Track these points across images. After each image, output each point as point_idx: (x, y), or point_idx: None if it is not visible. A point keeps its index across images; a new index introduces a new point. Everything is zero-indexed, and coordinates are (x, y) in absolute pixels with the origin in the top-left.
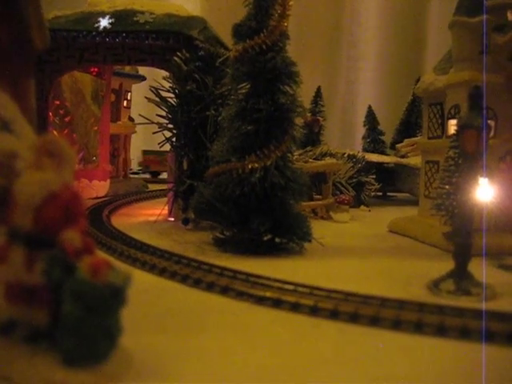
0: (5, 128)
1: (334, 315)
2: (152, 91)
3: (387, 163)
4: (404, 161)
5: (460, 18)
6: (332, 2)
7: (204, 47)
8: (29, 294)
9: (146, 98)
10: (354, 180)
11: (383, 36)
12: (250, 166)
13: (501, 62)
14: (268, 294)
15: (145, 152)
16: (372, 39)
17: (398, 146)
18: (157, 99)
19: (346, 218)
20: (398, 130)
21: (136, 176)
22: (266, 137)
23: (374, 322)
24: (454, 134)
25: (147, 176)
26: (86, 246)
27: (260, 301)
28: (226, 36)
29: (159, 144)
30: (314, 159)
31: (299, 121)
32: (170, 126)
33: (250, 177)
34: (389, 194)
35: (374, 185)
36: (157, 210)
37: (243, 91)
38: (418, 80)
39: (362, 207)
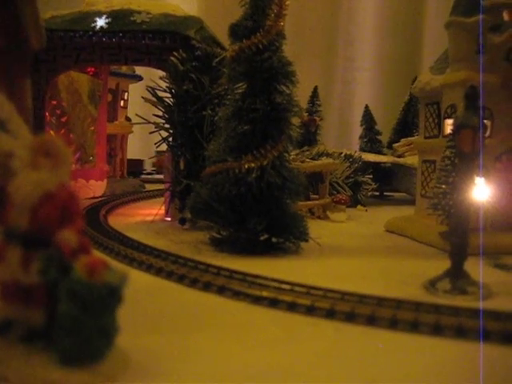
0: (1, 128)
1: (330, 315)
2: (149, 91)
3: (384, 163)
4: (401, 160)
5: (456, 18)
6: (329, 2)
7: (200, 47)
8: (25, 293)
9: (142, 97)
10: (351, 180)
11: (380, 36)
12: (246, 166)
13: (497, 62)
14: (265, 294)
15: (159, 153)
16: (369, 39)
17: (395, 145)
18: (153, 99)
19: (343, 218)
20: (394, 129)
21: (149, 177)
22: (262, 136)
23: (371, 321)
24: (450, 134)
25: (162, 177)
26: (83, 246)
27: (257, 300)
28: (222, 36)
29: (156, 144)
30: (310, 159)
31: (296, 120)
32: (167, 125)
33: (246, 176)
34: (385, 193)
35: (370, 184)
36: (154, 210)
37: (240, 91)
38: (414, 80)
39: (359, 207)
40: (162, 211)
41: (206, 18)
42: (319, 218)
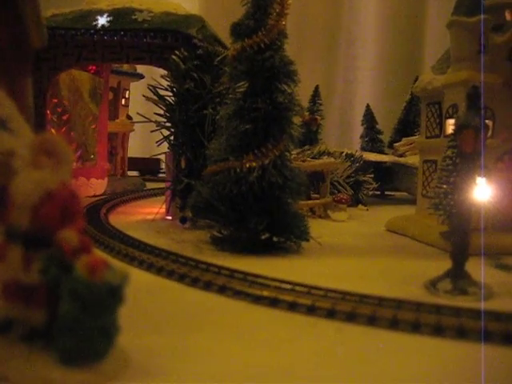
0: (2, 126)
1: (331, 314)
2: (150, 89)
3: (385, 162)
4: (402, 160)
5: (458, 18)
6: (330, 1)
7: (202, 46)
8: (26, 292)
9: (144, 96)
10: (352, 179)
11: (382, 35)
12: (247, 165)
13: (499, 62)
14: (265, 293)
15: None
16: (370, 38)
17: (396, 145)
18: (155, 97)
19: (344, 217)
20: (395, 129)
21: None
22: (263, 135)
23: (372, 321)
24: (451, 134)
25: None
26: (84, 245)
27: (257, 300)
28: (224, 34)
29: (157, 142)
30: (311, 158)
31: (297, 120)
32: (168, 124)
33: (247, 176)
34: (386, 193)
35: (371, 184)
36: (154, 209)
37: (241, 90)
38: (416, 79)
39: (360, 206)
40: (163, 210)
41: (208, 16)
42: (320, 217)
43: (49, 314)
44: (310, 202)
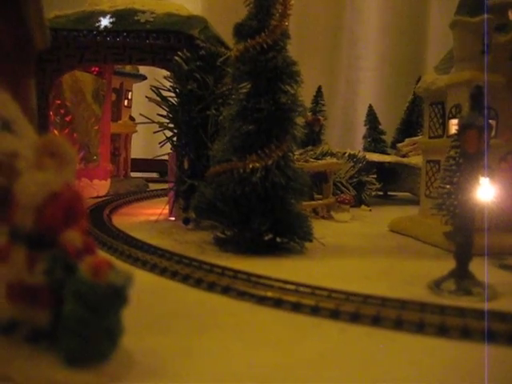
0: (6, 128)
1: (335, 315)
2: (153, 90)
3: (388, 163)
4: (405, 160)
5: (461, 18)
6: (333, 2)
7: (205, 46)
8: (30, 293)
9: (146, 97)
10: (355, 179)
11: (384, 35)
12: (251, 166)
13: (502, 62)
14: (269, 294)
15: None
16: (373, 38)
17: (399, 145)
18: (158, 98)
19: (347, 218)
20: (398, 129)
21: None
22: (266, 136)
23: (376, 321)
24: (455, 134)
25: None
26: (87, 246)
27: (261, 301)
28: (226, 35)
29: (160, 143)
30: (314, 159)
31: (300, 120)
32: (171, 125)
33: (251, 176)
34: (389, 193)
35: (374, 184)
36: (158, 210)
37: (244, 91)
38: (418, 79)
39: (363, 207)
40: (166, 211)
41: (210, 17)
42: (323, 217)
43: (53, 314)
44: (313, 202)
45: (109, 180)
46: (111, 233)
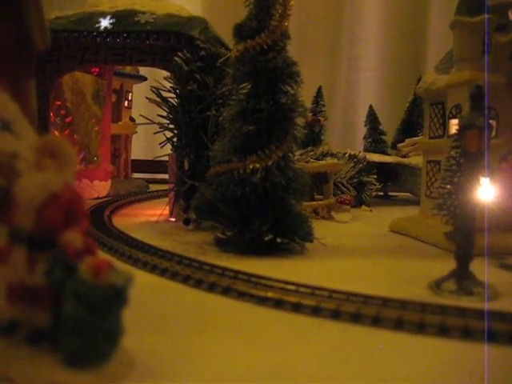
0: (6, 128)
1: (335, 315)
2: (153, 91)
3: (388, 163)
4: (405, 160)
5: (461, 18)
6: (333, 2)
7: (205, 47)
8: (30, 294)
9: (146, 98)
10: (355, 180)
11: (384, 35)
12: (251, 166)
13: (502, 62)
14: (270, 295)
15: None
16: (373, 39)
17: (399, 145)
18: (158, 99)
19: (347, 218)
20: (399, 129)
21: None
22: (267, 137)
23: (376, 322)
24: (455, 134)
25: None
26: (87, 247)
27: (262, 301)
28: (226, 36)
29: (160, 144)
30: (315, 159)
31: (300, 121)
32: (171, 126)
33: (251, 177)
34: (390, 193)
35: (375, 185)
36: (158, 211)
37: (244, 91)
38: (419, 80)
39: (363, 207)
40: (167, 212)
41: (210, 18)
42: (324, 218)
43: (53, 315)
44: (313, 203)
45: (109, 181)
46: (112, 233)
